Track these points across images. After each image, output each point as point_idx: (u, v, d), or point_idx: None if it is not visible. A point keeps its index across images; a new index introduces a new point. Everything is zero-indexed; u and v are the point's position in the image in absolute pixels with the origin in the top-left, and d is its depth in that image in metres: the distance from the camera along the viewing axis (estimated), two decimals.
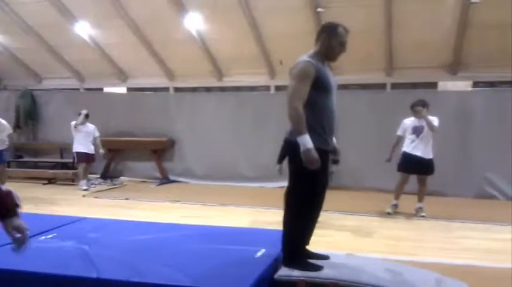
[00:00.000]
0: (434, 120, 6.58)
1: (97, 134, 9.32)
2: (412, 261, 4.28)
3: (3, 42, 11.34)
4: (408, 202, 6.82)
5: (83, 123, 9.10)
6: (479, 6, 7.93)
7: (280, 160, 5.68)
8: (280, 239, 3.45)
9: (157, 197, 8.22)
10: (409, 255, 4.71)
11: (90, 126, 9.26)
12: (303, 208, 3.36)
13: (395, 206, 6.86)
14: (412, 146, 6.67)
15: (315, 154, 3.15)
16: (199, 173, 9.95)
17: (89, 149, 9.20)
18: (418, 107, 6.62)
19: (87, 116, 9.18)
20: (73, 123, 9.12)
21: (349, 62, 9.26)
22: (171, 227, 4.77)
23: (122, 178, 10.30)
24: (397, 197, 6.91)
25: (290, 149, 3.40)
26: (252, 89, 10.87)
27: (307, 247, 3.59)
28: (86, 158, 9.24)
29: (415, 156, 6.60)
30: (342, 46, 3.40)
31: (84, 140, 9.15)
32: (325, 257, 3.61)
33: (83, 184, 9.22)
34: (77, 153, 9.18)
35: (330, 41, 3.37)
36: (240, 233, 4.63)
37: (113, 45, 10.75)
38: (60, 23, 10.19)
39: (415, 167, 6.67)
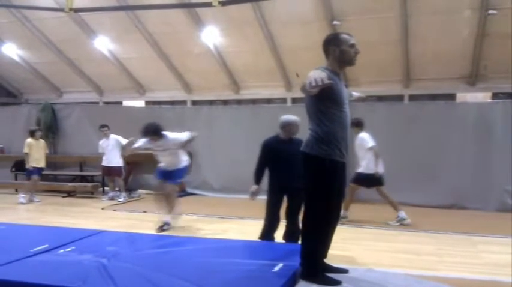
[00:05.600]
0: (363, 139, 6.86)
1: (124, 142, 9.39)
2: (434, 276, 4.19)
3: (25, 57, 11.60)
4: (427, 216, 6.68)
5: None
6: (496, 16, 7.86)
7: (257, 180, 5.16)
8: (298, 253, 3.42)
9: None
10: (431, 270, 4.61)
11: (111, 139, 9.31)
12: (318, 221, 3.33)
13: (402, 218, 6.81)
14: None
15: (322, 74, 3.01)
16: (216, 185, 9.95)
17: (110, 162, 9.30)
18: None
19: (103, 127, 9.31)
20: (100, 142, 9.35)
21: (366, 73, 9.26)
22: (189, 241, 4.77)
23: (139, 191, 10.35)
24: (395, 208, 6.89)
25: (305, 162, 3.38)
26: (268, 101, 10.91)
27: (326, 261, 3.56)
28: (108, 171, 9.37)
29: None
30: (353, 47, 3.39)
31: (107, 154, 9.30)
32: (343, 271, 3.58)
33: (108, 195, 9.48)
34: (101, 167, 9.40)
35: (340, 48, 3.36)
36: (258, 247, 4.60)
37: (131, 59, 10.92)
38: (80, 38, 10.40)
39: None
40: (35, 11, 9.86)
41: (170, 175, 6.56)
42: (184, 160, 6.72)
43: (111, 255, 3.96)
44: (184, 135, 6.56)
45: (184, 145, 6.62)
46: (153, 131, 6.34)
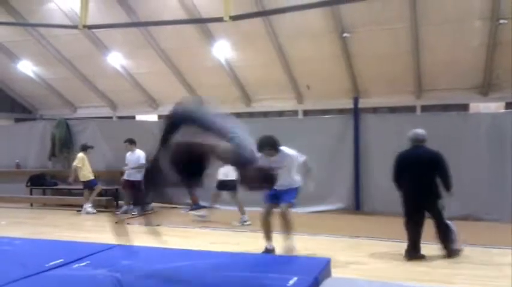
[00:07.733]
0: None
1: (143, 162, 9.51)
2: None
3: (40, 74, 11.80)
4: None
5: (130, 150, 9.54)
6: (507, 25, 7.83)
7: None
8: (313, 267, 3.41)
9: (187, 223, 8.25)
10: (447, 283, 4.56)
11: (135, 154, 9.50)
12: None
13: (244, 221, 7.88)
14: None
15: None
16: (229, 198, 9.94)
17: (131, 176, 9.40)
18: None
19: (130, 142, 9.52)
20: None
21: (377, 84, 9.24)
22: (202, 255, 4.77)
23: (153, 204, 10.38)
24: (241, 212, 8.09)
25: None
26: (280, 114, 10.93)
27: (342, 271, 3.55)
28: (128, 185, 9.49)
29: None
30: None
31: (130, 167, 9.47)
32: None
33: (122, 209, 9.62)
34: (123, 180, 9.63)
35: None
36: (272, 260, 4.59)
37: (144, 74, 11.05)
38: (93, 54, 10.57)
39: None
40: (49, 29, 10.05)
41: (281, 198, 5.81)
42: (297, 179, 5.91)
43: (125, 269, 3.98)
44: (301, 156, 5.87)
45: (303, 168, 5.92)
46: (271, 144, 5.65)
